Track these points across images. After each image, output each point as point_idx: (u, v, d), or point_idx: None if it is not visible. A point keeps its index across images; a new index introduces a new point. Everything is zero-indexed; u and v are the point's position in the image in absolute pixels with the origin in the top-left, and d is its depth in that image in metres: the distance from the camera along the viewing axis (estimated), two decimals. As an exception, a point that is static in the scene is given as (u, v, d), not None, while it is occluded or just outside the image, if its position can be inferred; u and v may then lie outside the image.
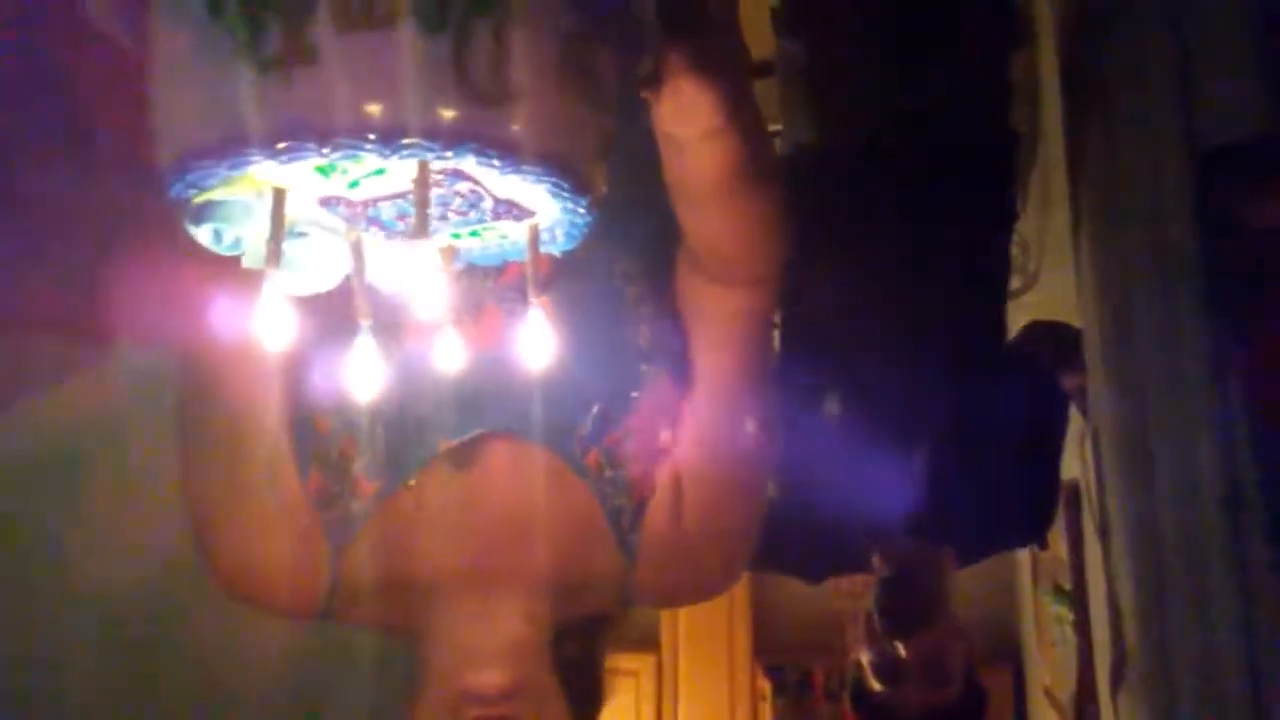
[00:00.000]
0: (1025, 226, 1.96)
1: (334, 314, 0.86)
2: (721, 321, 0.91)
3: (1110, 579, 1.83)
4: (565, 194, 0.58)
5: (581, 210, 0.61)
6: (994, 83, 1.57)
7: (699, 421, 0.92)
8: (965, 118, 1.52)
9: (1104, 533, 1.85)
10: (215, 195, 0.56)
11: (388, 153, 0.51)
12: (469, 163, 0.54)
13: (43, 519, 1.61)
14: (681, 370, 0.92)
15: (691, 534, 0.92)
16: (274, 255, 0.55)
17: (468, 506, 0.87)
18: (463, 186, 0.59)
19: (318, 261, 0.64)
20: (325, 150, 0.51)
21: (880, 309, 1.44)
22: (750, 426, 0.93)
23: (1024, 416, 1.59)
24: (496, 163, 0.53)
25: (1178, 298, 1.49)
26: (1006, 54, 1.60)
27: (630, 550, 0.90)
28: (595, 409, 0.88)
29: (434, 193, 0.58)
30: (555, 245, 0.65)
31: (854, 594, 1.83)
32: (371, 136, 0.50)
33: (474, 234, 0.66)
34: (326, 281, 0.65)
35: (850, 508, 1.39)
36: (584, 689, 0.94)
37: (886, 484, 1.43)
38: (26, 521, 1.62)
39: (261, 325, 0.55)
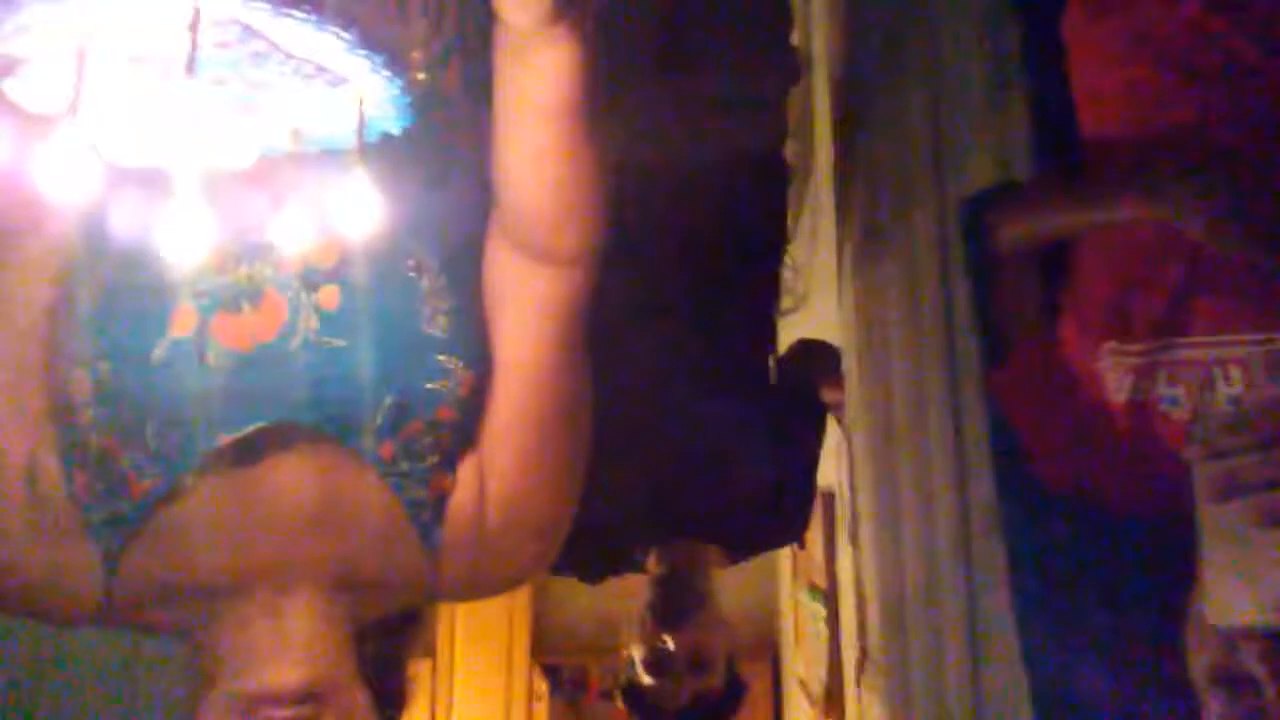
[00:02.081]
0: (797, 252, 2.10)
1: (102, 286, 0.82)
2: (529, 308, 0.90)
3: (859, 580, 1.99)
4: (362, 54, 0.60)
5: (394, 87, 0.62)
6: (770, 115, 1.68)
7: (503, 414, 0.91)
8: (742, 147, 1.62)
9: (854, 537, 2.01)
10: (15, 50, 0.56)
11: None
12: (234, 5, 0.55)
13: None
14: (484, 361, 0.91)
15: (496, 528, 0.91)
16: (73, 105, 0.55)
17: (251, 503, 0.84)
18: (258, 44, 0.59)
19: (138, 133, 0.63)
20: None
21: (655, 319, 1.50)
22: (558, 419, 0.93)
23: (786, 427, 1.72)
24: (263, 5, 0.55)
25: (924, 325, 1.65)
26: (785, 89, 1.71)
27: (432, 544, 0.89)
28: (388, 400, 0.86)
29: (230, 52, 0.59)
30: (390, 122, 0.66)
31: (630, 594, 1.90)
32: None
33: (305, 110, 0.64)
34: (146, 156, 0.64)
35: (626, 510, 1.45)
36: (388, 689, 0.92)
37: (658, 487, 1.51)
38: None
39: (54, 174, 0.54)
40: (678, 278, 1.52)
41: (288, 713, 0.82)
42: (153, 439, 0.82)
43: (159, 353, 0.82)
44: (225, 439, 0.83)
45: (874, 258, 1.85)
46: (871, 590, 1.92)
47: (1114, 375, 1.22)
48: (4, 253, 0.84)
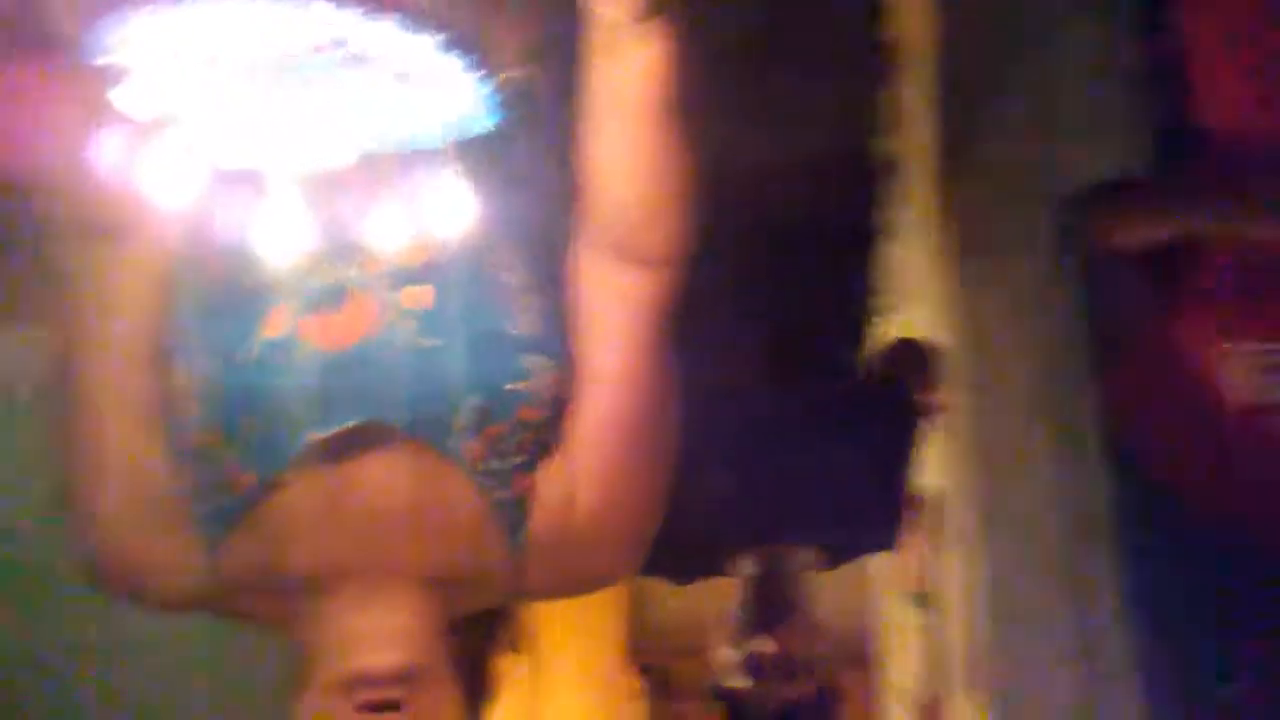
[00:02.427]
0: (892, 249, 2.06)
1: (203, 286, 0.85)
2: (615, 308, 0.91)
3: (962, 587, 1.93)
4: (453, 55, 0.61)
5: (484, 86, 0.64)
6: (861, 110, 1.65)
7: (589, 414, 0.92)
8: (836, 142, 1.59)
9: (957, 543, 1.95)
10: (121, 59, 0.59)
11: None
12: (327, 10, 0.57)
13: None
14: (570, 362, 0.92)
15: (582, 528, 0.92)
16: (177, 111, 0.59)
17: (341, 500, 0.86)
18: (353, 48, 0.61)
19: (236, 138, 0.65)
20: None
21: (745, 319, 1.48)
22: (644, 419, 0.93)
23: (879, 429, 1.68)
24: (356, 9, 0.57)
25: (1032, 324, 1.60)
26: (876, 83, 1.67)
27: (518, 544, 0.90)
28: (475, 400, 0.87)
29: (325, 56, 0.61)
30: (480, 121, 0.67)
31: (726, 596, 1.89)
32: None
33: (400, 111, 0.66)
34: (245, 159, 0.66)
35: (716, 513, 1.43)
36: (475, 683, 0.94)
37: (751, 491, 1.49)
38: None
39: (155, 179, 0.55)
40: (765, 277, 1.50)
41: (383, 693, 0.83)
42: (251, 435, 0.85)
43: (255, 352, 0.86)
44: (317, 437, 0.85)
45: (977, 255, 1.79)
46: (976, 598, 1.87)
47: (1236, 376, 1.16)
48: (111, 253, 0.88)
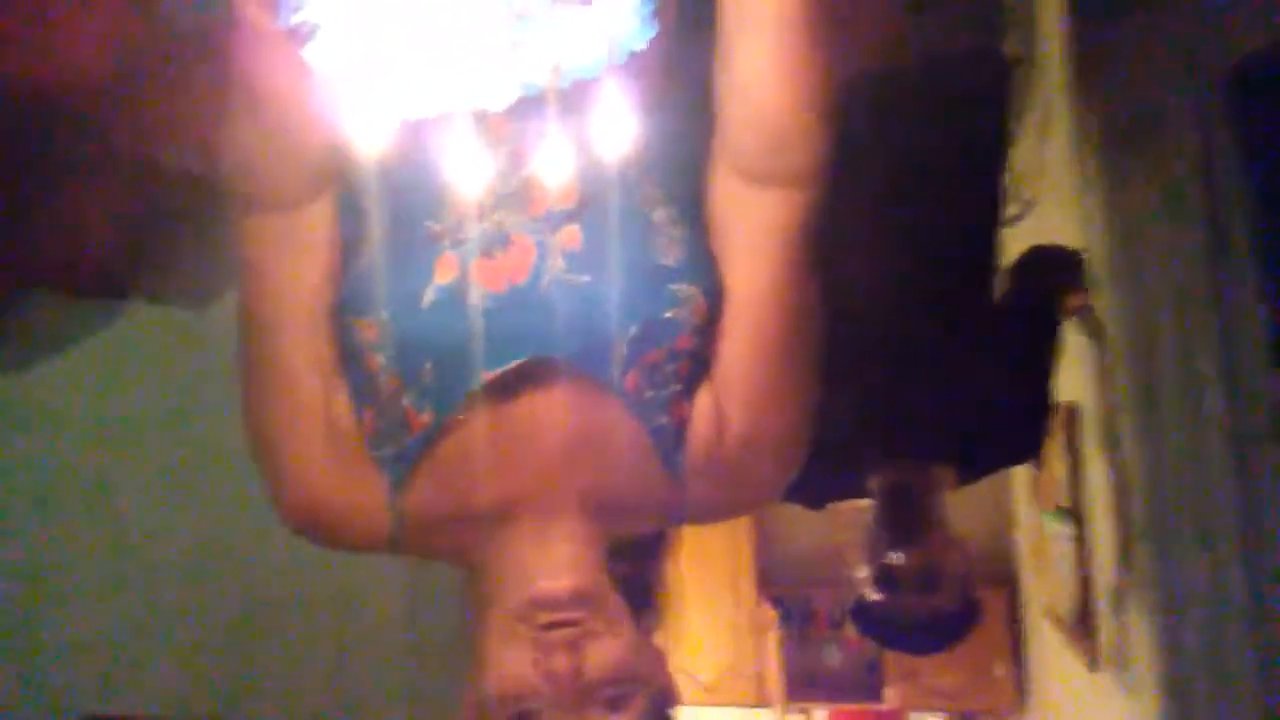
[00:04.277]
0: (1023, 153, 1.97)
1: (382, 238, 0.87)
2: (756, 232, 0.90)
3: (1119, 497, 1.87)
4: None
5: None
6: (986, 5, 1.56)
7: (737, 338, 0.92)
8: (961, 43, 1.52)
9: (1109, 452, 1.89)
10: (311, 16, 0.61)
11: None
12: None
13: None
14: (717, 288, 0.92)
15: (735, 451, 0.92)
16: (363, 63, 0.60)
17: (515, 434, 0.88)
18: None
19: (418, 84, 0.66)
20: None
21: (874, 234, 1.44)
22: (790, 341, 0.93)
23: (1017, 339, 1.62)
24: None
25: (1187, 226, 1.51)
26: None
27: (675, 468, 0.91)
28: (631, 331, 0.88)
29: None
30: (634, 38, 0.67)
31: (853, 526, 1.88)
32: None
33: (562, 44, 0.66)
34: (426, 106, 0.66)
35: (851, 431, 1.40)
36: (643, 605, 0.96)
37: (883, 407, 1.46)
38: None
39: (356, 128, 0.56)
40: (894, 189, 1.45)
41: (562, 615, 0.85)
42: (428, 378, 0.88)
43: (428, 298, 0.88)
44: (487, 376, 0.87)
45: (1123, 152, 1.70)
46: (1131, 507, 1.81)
47: None
48: (293, 220, 0.90)
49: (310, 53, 0.63)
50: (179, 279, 1.67)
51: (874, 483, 1.62)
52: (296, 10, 0.60)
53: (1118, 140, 1.68)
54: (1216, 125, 1.42)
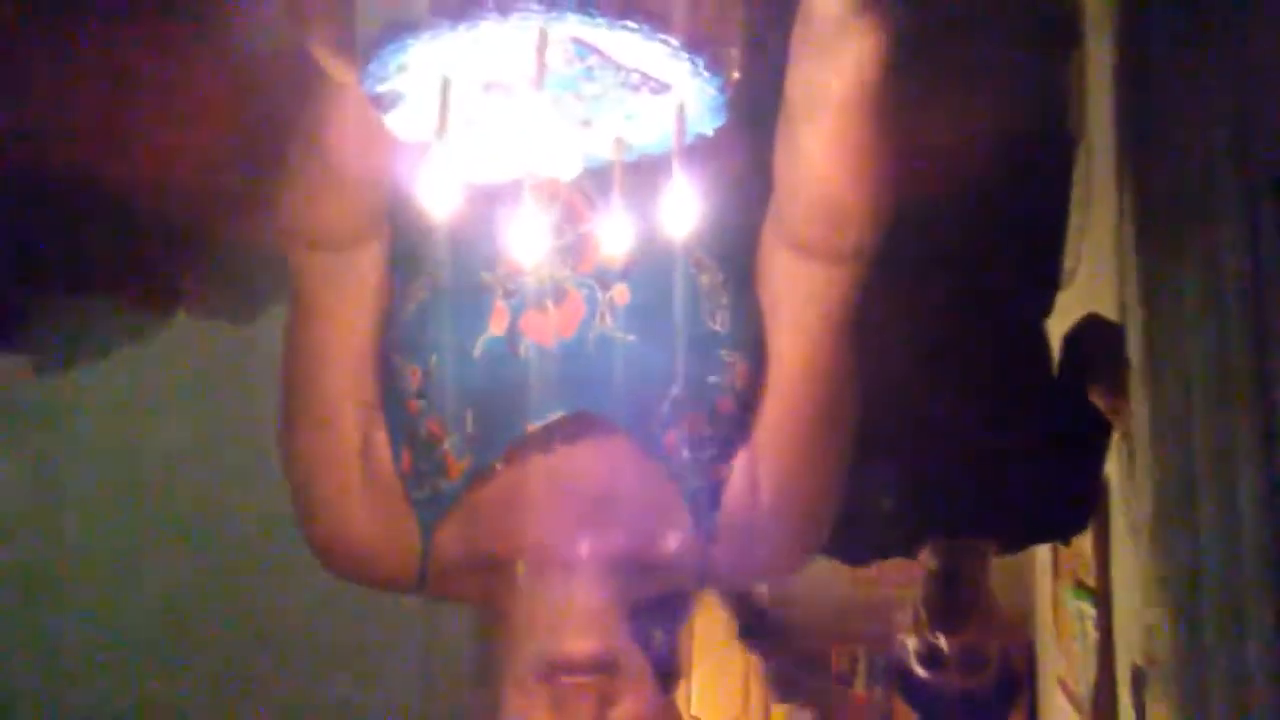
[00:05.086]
0: (1075, 223, 1.97)
1: (439, 289, 0.89)
2: (803, 303, 0.91)
3: (1142, 579, 1.84)
4: (686, 58, 0.60)
5: (713, 88, 0.63)
6: (1054, 85, 1.58)
7: (776, 406, 0.93)
8: (1029, 122, 1.53)
9: (1138, 532, 1.86)
10: (395, 86, 0.62)
11: (501, 17, 0.57)
12: (574, 23, 0.58)
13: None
14: (759, 356, 0.93)
15: (767, 516, 0.93)
16: (441, 131, 0.60)
17: (551, 487, 0.89)
18: (592, 60, 0.62)
19: (488, 153, 0.67)
20: (457, 25, 0.57)
21: (930, 315, 1.45)
22: (828, 411, 0.93)
23: (1073, 417, 1.62)
24: (600, 20, 0.57)
25: (1229, 312, 1.50)
26: (1067, 55, 1.60)
27: (707, 531, 0.92)
28: (673, 392, 0.89)
29: (568, 70, 0.62)
30: (703, 124, 0.67)
31: (870, 581, 1.87)
32: (489, 5, 0.57)
33: (631, 121, 0.67)
34: (494, 173, 0.68)
35: (899, 500, 1.41)
36: (664, 665, 0.96)
37: (936, 479, 1.46)
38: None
39: (428, 193, 0.59)
40: (955, 266, 1.46)
41: (585, 679, 0.86)
42: (471, 425, 0.89)
43: (479, 348, 0.90)
44: (531, 427, 0.88)
45: (1165, 231, 1.70)
46: (1159, 592, 1.78)
47: None
48: (346, 260, 0.92)
49: (390, 119, 0.65)
50: (228, 295, 1.69)
51: (923, 557, 1.65)
52: (382, 80, 0.61)
53: (1161, 221, 1.67)
54: (1263, 218, 1.41)
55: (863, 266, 0.91)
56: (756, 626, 1.67)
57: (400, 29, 0.58)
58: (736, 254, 0.93)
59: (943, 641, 1.55)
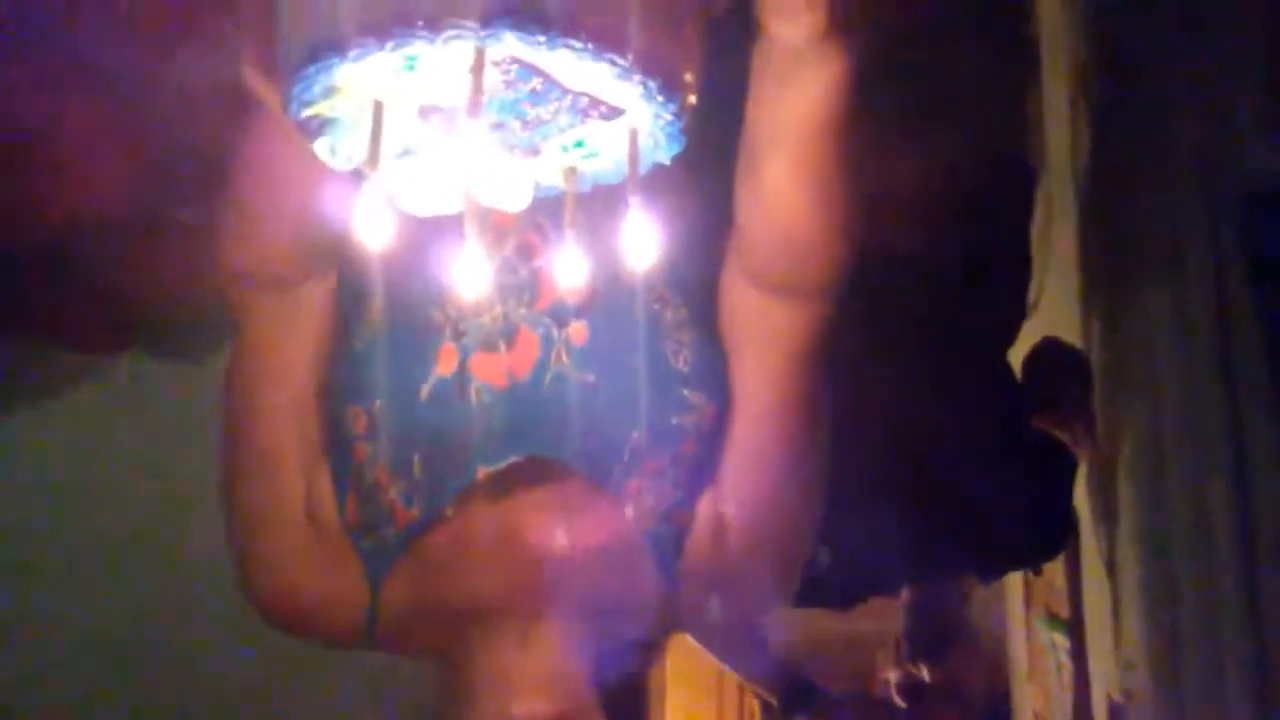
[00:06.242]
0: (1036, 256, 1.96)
1: (381, 328, 0.85)
2: (767, 341, 0.88)
3: (1115, 612, 1.83)
4: (637, 80, 0.57)
5: (668, 113, 0.60)
6: (1010, 112, 1.58)
7: (742, 447, 0.89)
8: (990, 153, 1.52)
9: (1110, 566, 1.85)
10: (323, 111, 0.59)
11: (433, 36, 0.53)
12: (513, 42, 0.54)
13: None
14: (725, 395, 0.90)
15: (734, 562, 0.89)
16: (373, 159, 0.57)
17: (505, 534, 0.85)
18: (536, 82, 0.58)
19: (428, 183, 0.64)
20: (385, 44, 0.53)
21: (897, 348, 1.43)
22: (797, 452, 0.90)
23: (1044, 446, 1.61)
24: (540, 38, 0.54)
25: (1196, 343, 1.49)
26: (1024, 83, 1.60)
27: (672, 576, 0.88)
28: (634, 435, 0.86)
29: (510, 93, 0.59)
30: (659, 152, 0.63)
31: (841, 619, 1.85)
32: (419, 23, 0.53)
33: (582, 148, 0.64)
34: (436, 205, 0.65)
35: (878, 544, 1.39)
36: (626, 715, 0.91)
37: (913, 519, 1.44)
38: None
39: (361, 225, 0.55)
40: (919, 298, 1.44)
41: None
42: (418, 471, 0.85)
43: (426, 391, 0.85)
44: (483, 472, 0.83)
45: (1128, 262, 1.69)
46: (1134, 625, 1.76)
47: None
48: (290, 299, 0.88)
49: (319, 146, 0.61)
50: (176, 338, 1.65)
51: (904, 596, 1.64)
52: (307, 105, 0.57)
53: (1123, 251, 1.67)
54: (1229, 246, 1.41)
55: (829, 304, 0.88)
56: (801, 703, 1.64)
57: (326, 49, 0.54)
58: (699, 289, 0.90)
59: (921, 673, 1.54)
